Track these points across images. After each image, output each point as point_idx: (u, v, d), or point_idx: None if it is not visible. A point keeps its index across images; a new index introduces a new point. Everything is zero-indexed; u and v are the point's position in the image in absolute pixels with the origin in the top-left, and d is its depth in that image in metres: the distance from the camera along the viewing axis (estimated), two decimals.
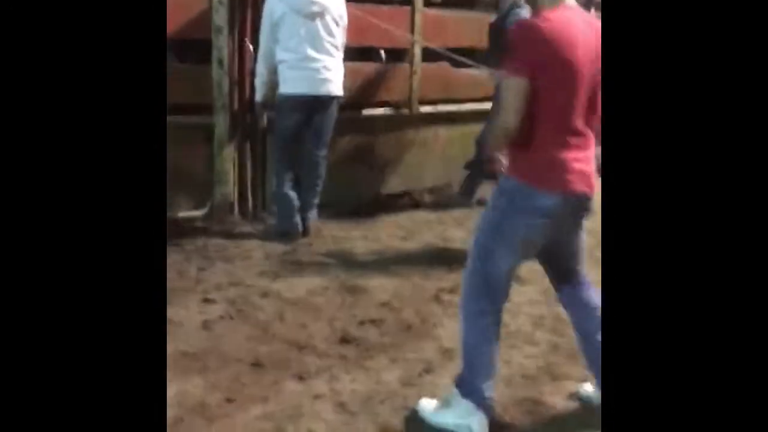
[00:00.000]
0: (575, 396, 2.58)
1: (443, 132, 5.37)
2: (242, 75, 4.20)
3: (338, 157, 4.64)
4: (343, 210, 4.61)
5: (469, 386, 2.30)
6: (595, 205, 2.23)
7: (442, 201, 5.16)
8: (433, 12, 5.00)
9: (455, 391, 2.33)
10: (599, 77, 2.11)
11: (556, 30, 2.08)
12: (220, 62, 4.07)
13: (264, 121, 4.27)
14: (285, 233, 4.03)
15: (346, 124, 4.53)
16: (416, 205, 5.07)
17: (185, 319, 3.05)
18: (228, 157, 4.24)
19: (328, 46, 3.95)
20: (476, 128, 5.53)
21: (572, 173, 2.17)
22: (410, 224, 4.58)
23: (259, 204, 4.47)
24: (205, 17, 4.01)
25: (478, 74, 4.46)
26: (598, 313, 2.39)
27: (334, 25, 3.97)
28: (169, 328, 2.94)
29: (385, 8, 4.76)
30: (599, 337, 2.34)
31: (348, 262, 3.85)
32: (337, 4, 3.99)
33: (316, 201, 4.17)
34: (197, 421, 2.34)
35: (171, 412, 2.30)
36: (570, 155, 2.17)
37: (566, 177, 2.17)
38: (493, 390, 2.33)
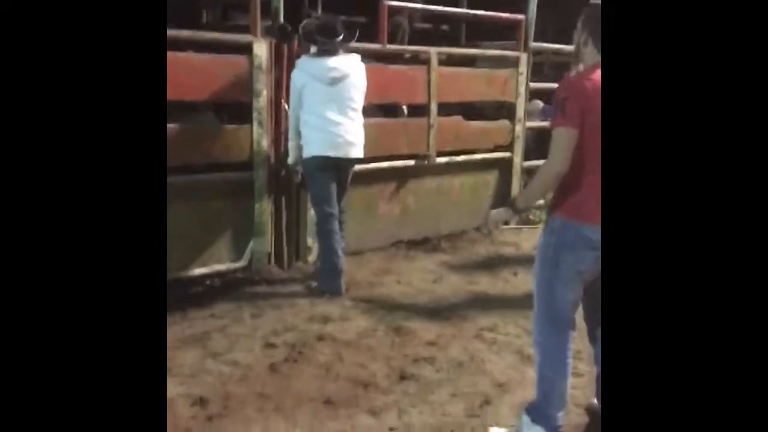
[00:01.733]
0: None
1: (457, 181, 5.70)
2: (278, 134, 4.49)
3: (364, 204, 4.92)
4: (371, 254, 4.88)
5: (541, 414, 2.55)
6: None
7: (459, 246, 5.44)
8: (446, 69, 5.36)
9: (525, 418, 2.58)
10: None
11: (596, 87, 2.41)
12: (260, 122, 4.36)
13: (298, 177, 4.53)
14: (329, 293, 4.21)
15: (372, 174, 4.85)
16: (435, 249, 5.34)
17: (253, 363, 3.27)
18: (266, 210, 4.50)
19: (348, 110, 4.19)
20: (487, 177, 5.90)
21: None
22: (436, 268, 4.85)
23: (293, 254, 4.72)
24: (245, 82, 4.30)
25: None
26: None
27: (354, 89, 4.21)
28: (240, 372, 3.18)
29: (405, 67, 5.12)
30: None
31: (388, 305, 4.09)
32: (357, 69, 4.24)
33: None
34: None
35: None
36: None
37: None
38: (563, 420, 2.58)
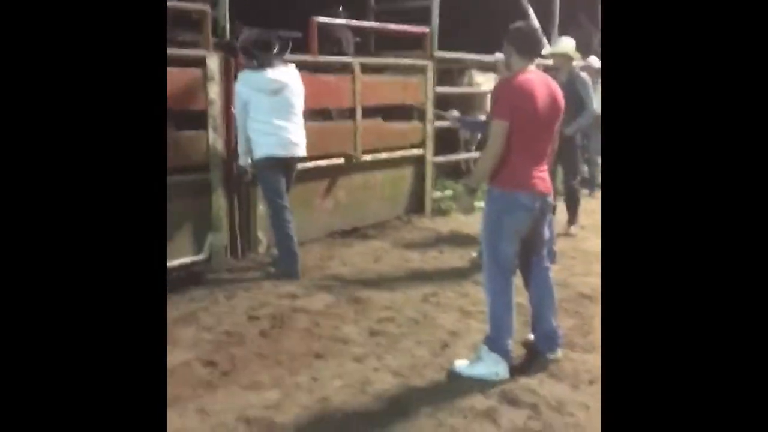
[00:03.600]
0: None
1: (380, 176, 6.40)
2: (230, 138, 5.01)
3: (302, 200, 5.52)
4: (311, 244, 5.48)
5: (496, 344, 3.29)
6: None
7: (386, 233, 6.14)
8: (368, 78, 6.05)
9: (484, 348, 3.31)
10: (553, 119, 3.24)
11: (524, 86, 3.19)
12: (214, 128, 4.86)
13: (248, 176, 5.05)
14: (289, 275, 4.76)
15: (308, 173, 5.46)
16: (366, 237, 6.01)
17: (243, 331, 3.82)
18: (222, 207, 5.00)
19: (290, 115, 4.75)
20: (404, 172, 6.65)
21: (537, 179, 3.27)
22: (372, 252, 5.52)
23: (246, 246, 5.24)
24: (199, 91, 4.78)
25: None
26: (552, 294, 3.48)
27: (293, 96, 4.77)
28: (235, 339, 3.72)
29: (332, 76, 5.76)
30: (547, 315, 3.44)
31: (341, 282, 4.72)
32: (294, 78, 4.80)
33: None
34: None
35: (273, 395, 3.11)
36: (534, 169, 3.27)
37: (534, 182, 3.26)
38: (512, 346, 3.34)
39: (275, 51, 4.68)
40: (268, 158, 4.70)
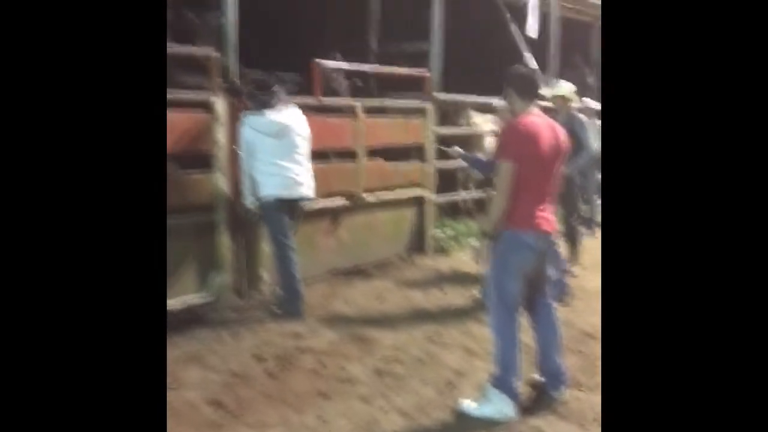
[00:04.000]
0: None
1: (382, 215, 6.46)
2: (234, 179, 5.07)
3: (305, 239, 5.55)
4: (313, 282, 5.51)
5: (503, 383, 3.31)
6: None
7: (387, 272, 6.17)
8: (370, 119, 6.16)
9: (491, 387, 3.33)
10: (557, 160, 3.31)
11: (529, 129, 3.27)
12: (220, 169, 4.93)
13: (252, 217, 5.12)
14: (292, 315, 4.78)
15: (312, 212, 5.51)
16: (368, 276, 6.04)
17: (249, 371, 3.83)
18: (226, 247, 5.04)
19: (295, 156, 4.84)
20: (405, 211, 6.71)
21: (541, 219, 3.33)
22: (374, 290, 5.54)
23: (249, 285, 5.26)
24: (206, 134, 4.87)
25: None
26: (557, 332, 3.50)
27: (298, 137, 4.87)
28: (240, 379, 3.72)
29: (335, 118, 5.86)
30: (552, 354, 3.46)
31: (345, 321, 4.74)
32: (298, 120, 4.90)
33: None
34: None
35: None
36: (539, 209, 3.33)
37: (538, 222, 3.32)
38: (519, 385, 3.35)
39: (276, 92, 4.78)
40: (273, 199, 4.75)
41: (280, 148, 4.73)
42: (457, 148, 4.83)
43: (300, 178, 4.84)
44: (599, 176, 8.51)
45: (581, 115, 6.15)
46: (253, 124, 4.71)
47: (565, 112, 5.91)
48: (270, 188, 4.75)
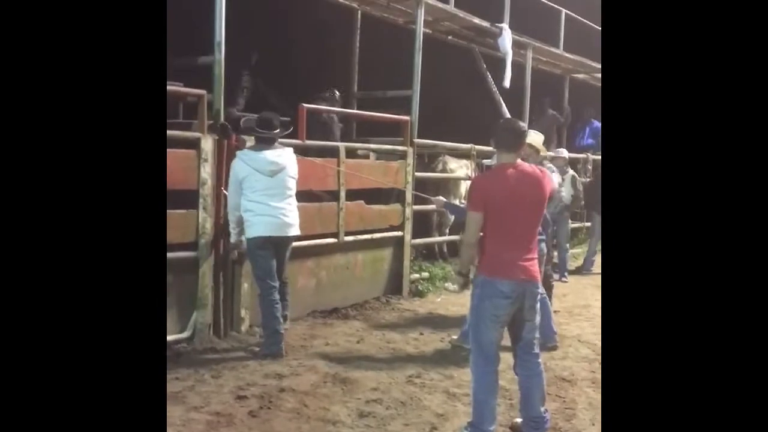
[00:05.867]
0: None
1: (361, 257, 6.53)
2: (218, 217, 5.11)
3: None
4: (293, 323, 5.52)
5: (478, 430, 3.36)
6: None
7: (365, 314, 6.21)
8: (351, 161, 6.27)
9: None
10: (535, 208, 3.40)
11: (497, 179, 3.38)
12: (205, 208, 4.97)
13: (235, 254, 5.15)
14: (272, 355, 4.78)
15: (293, 252, 5.54)
16: (346, 317, 6.07)
17: (232, 412, 3.81)
18: (207, 285, 5.04)
19: (285, 196, 4.90)
20: (383, 253, 6.78)
21: (518, 267, 3.40)
22: (355, 332, 5.57)
23: (228, 325, 5.26)
24: (192, 171, 4.92)
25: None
26: (541, 380, 3.58)
27: (289, 178, 4.94)
28: (223, 419, 3.71)
29: (319, 159, 5.95)
30: (534, 401, 3.52)
31: (327, 361, 4.75)
32: (291, 161, 5.00)
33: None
34: None
35: None
36: (517, 256, 3.40)
37: (514, 270, 3.39)
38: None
39: (277, 131, 4.87)
40: (260, 238, 4.79)
41: (272, 187, 4.79)
42: (441, 198, 4.96)
43: (289, 218, 4.90)
44: (570, 224, 8.79)
45: (549, 164, 6.40)
46: (249, 160, 4.76)
47: (534, 161, 6.12)
48: (259, 227, 4.78)
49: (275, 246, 4.88)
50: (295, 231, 4.97)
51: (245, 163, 4.78)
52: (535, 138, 6.27)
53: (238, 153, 4.91)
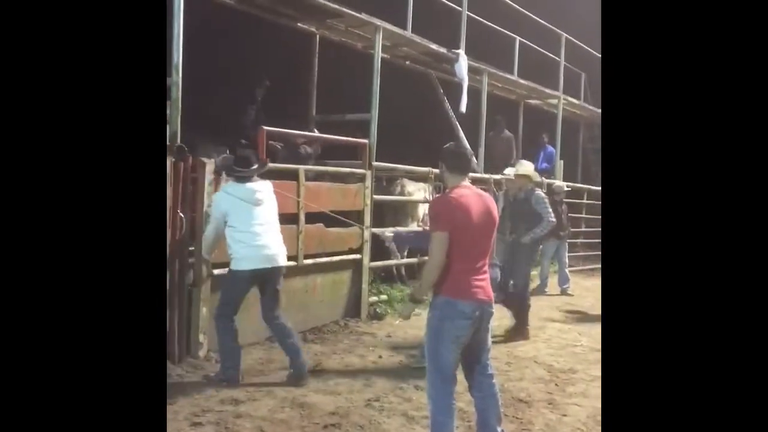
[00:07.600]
0: None
1: (320, 280, 6.51)
2: (174, 241, 5.04)
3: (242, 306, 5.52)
4: (250, 347, 5.46)
5: None
6: None
7: (324, 338, 6.19)
8: (311, 184, 6.28)
9: None
10: (488, 230, 3.46)
11: (460, 200, 3.42)
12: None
13: (190, 279, 5.10)
14: (228, 381, 4.71)
15: None
16: (305, 341, 6.02)
17: None
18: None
19: (270, 226, 4.89)
20: (342, 276, 6.78)
21: (477, 288, 3.44)
22: (313, 356, 5.53)
23: (184, 350, 5.17)
24: None
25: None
26: (497, 401, 3.61)
27: (272, 208, 4.95)
28: None
29: (277, 182, 5.93)
30: (492, 422, 3.55)
31: (283, 387, 4.71)
32: (270, 192, 4.99)
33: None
34: None
35: None
36: (474, 278, 3.44)
37: (474, 291, 3.42)
38: None
39: (255, 167, 4.88)
40: (246, 272, 4.74)
41: (258, 217, 4.78)
42: (388, 233, 4.94)
43: (276, 249, 4.87)
44: (553, 243, 9.07)
45: (538, 191, 6.78)
46: (233, 191, 4.76)
47: (526, 189, 6.61)
48: (247, 261, 4.73)
49: (262, 279, 4.83)
50: (283, 260, 4.94)
51: (229, 194, 4.77)
52: (527, 167, 6.68)
53: (223, 185, 4.97)
